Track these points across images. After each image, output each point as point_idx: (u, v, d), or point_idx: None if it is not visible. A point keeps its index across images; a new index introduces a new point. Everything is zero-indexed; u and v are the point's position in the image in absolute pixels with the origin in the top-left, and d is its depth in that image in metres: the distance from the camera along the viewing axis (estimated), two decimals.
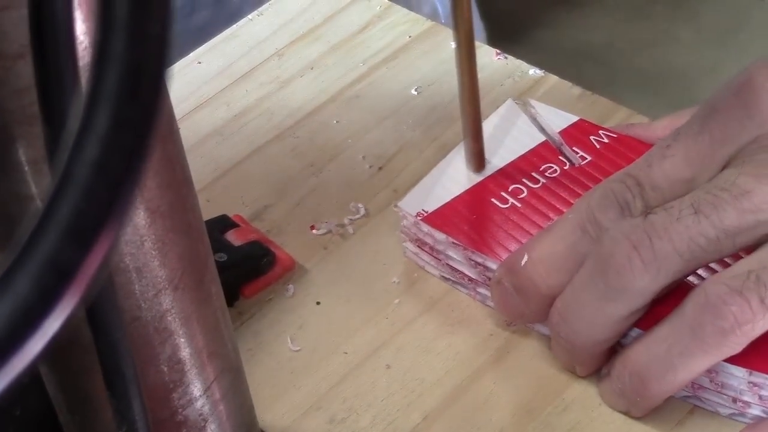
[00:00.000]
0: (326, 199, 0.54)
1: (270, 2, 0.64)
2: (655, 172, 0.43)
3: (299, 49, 0.61)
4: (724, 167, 0.43)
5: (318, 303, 0.50)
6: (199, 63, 0.62)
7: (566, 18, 1.76)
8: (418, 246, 0.50)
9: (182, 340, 0.37)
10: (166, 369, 0.37)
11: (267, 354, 0.48)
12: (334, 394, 0.46)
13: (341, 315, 0.49)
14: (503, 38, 1.66)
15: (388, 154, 0.55)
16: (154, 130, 0.15)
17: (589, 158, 0.51)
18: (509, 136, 0.52)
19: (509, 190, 0.50)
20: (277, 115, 0.58)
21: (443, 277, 0.49)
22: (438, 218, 0.48)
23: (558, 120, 0.52)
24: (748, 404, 0.42)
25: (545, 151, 0.51)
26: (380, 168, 0.55)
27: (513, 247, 0.47)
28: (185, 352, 0.37)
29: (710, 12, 1.75)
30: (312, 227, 0.53)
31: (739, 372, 0.42)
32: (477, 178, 0.50)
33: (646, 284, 0.41)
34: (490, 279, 0.47)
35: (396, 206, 0.50)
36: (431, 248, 0.49)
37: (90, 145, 0.14)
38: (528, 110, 0.53)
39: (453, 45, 0.58)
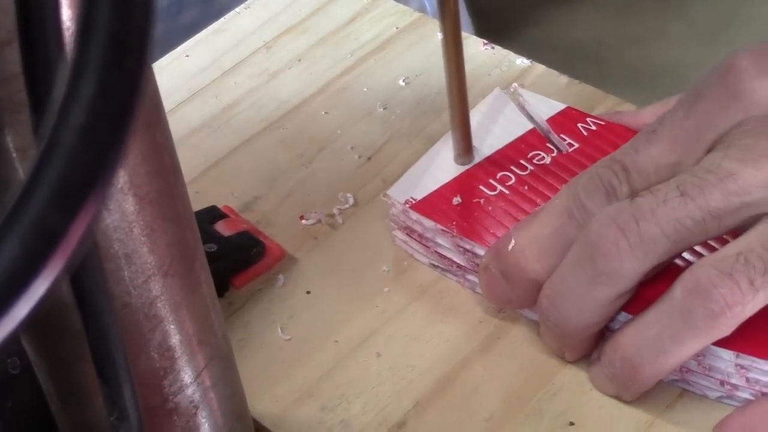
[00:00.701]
0: (315, 190, 0.54)
1: None
2: (641, 157, 0.43)
3: (287, 42, 0.62)
4: (708, 151, 0.43)
5: (308, 292, 0.50)
6: (187, 56, 0.62)
7: (555, 14, 1.77)
8: (407, 234, 0.50)
9: (172, 326, 0.37)
10: (156, 356, 0.37)
11: (258, 343, 0.48)
12: (325, 383, 0.46)
13: (331, 304, 0.49)
14: (492, 34, 1.66)
15: (377, 144, 0.56)
16: (139, 96, 0.15)
17: (576, 145, 0.51)
18: (497, 124, 0.52)
19: (497, 177, 0.50)
20: (265, 107, 0.58)
21: (432, 264, 0.49)
22: (426, 206, 0.49)
23: (546, 108, 0.52)
24: (735, 387, 0.43)
25: (533, 139, 0.51)
26: (369, 158, 0.55)
27: (501, 233, 0.47)
28: (175, 339, 0.37)
29: (699, 8, 1.75)
30: (301, 217, 0.53)
31: (726, 355, 0.42)
32: (465, 166, 0.51)
33: (633, 267, 0.41)
34: (478, 266, 0.47)
35: (385, 195, 0.50)
36: (420, 236, 0.49)
37: (76, 112, 0.14)
38: (516, 98, 0.53)
39: (440, 36, 0.58)
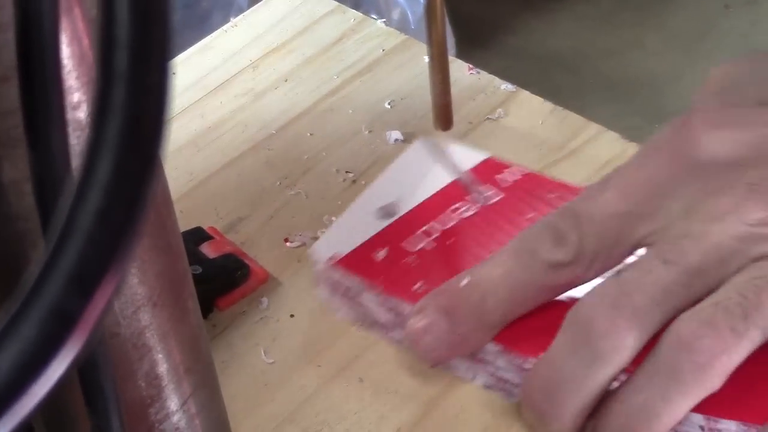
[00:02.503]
0: (300, 212, 0.54)
1: (244, 14, 0.65)
2: (592, 205, 0.44)
3: (273, 62, 0.62)
4: (667, 210, 0.43)
5: (292, 316, 0.50)
6: (174, 74, 0.62)
7: (534, 24, 1.77)
8: (331, 291, 0.49)
9: (160, 356, 0.37)
10: (143, 384, 0.37)
11: (241, 366, 0.48)
12: (307, 407, 0.46)
13: (315, 328, 0.49)
14: (471, 43, 1.67)
15: (362, 167, 0.56)
16: (154, 178, 0.15)
17: (500, 196, 0.51)
18: (418, 177, 0.52)
19: (421, 231, 0.49)
20: (251, 127, 0.59)
21: (356, 321, 0.49)
22: (352, 262, 0.48)
23: (467, 158, 0.52)
24: None
25: (456, 191, 0.51)
26: (354, 181, 0.55)
27: (428, 288, 0.47)
28: (163, 368, 0.37)
29: (677, 20, 1.77)
30: (286, 240, 0.53)
31: (695, 418, 0.42)
32: (388, 221, 0.50)
33: (632, 341, 0.41)
34: (403, 322, 0.46)
35: (309, 252, 0.49)
36: (345, 292, 0.49)
37: (92, 195, 0.15)
38: (437, 150, 0.53)
39: (426, 59, 0.59)
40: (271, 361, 0.48)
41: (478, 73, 0.60)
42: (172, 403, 0.38)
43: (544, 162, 0.54)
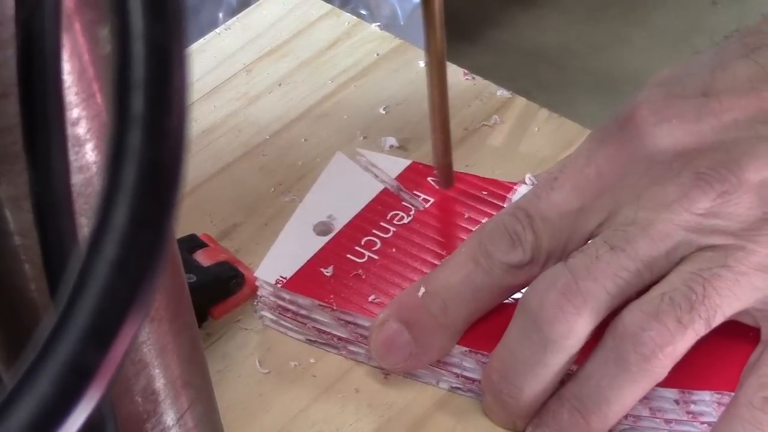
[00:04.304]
0: None
1: (237, 17, 0.64)
2: (543, 203, 0.44)
3: (267, 65, 0.61)
4: (615, 201, 0.43)
5: None
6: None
7: (521, 18, 1.77)
8: (279, 313, 0.49)
9: (157, 371, 0.37)
10: (140, 400, 0.37)
11: (236, 376, 0.48)
12: (302, 418, 0.46)
13: None
14: (458, 38, 1.67)
15: None
16: (172, 225, 0.15)
17: (432, 200, 0.51)
18: (348, 189, 0.51)
19: (362, 243, 0.49)
20: (245, 133, 0.58)
21: (309, 340, 0.49)
22: (299, 282, 0.48)
23: (391, 166, 0.52)
24: (679, 422, 0.43)
25: (388, 199, 0.51)
26: None
27: (381, 299, 0.47)
28: (160, 383, 0.37)
29: (663, 16, 1.77)
30: None
31: (669, 393, 0.42)
32: (327, 237, 0.49)
33: (581, 327, 0.41)
34: (361, 336, 0.47)
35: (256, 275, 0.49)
36: (295, 314, 0.48)
37: (109, 244, 0.14)
38: (359, 160, 0.53)
39: (422, 64, 0.59)
40: (266, 371, 0.48)
41: (473, 78, 0.59)
42: (169, 417, 0.38)
43: (538, 170, 0.54)
